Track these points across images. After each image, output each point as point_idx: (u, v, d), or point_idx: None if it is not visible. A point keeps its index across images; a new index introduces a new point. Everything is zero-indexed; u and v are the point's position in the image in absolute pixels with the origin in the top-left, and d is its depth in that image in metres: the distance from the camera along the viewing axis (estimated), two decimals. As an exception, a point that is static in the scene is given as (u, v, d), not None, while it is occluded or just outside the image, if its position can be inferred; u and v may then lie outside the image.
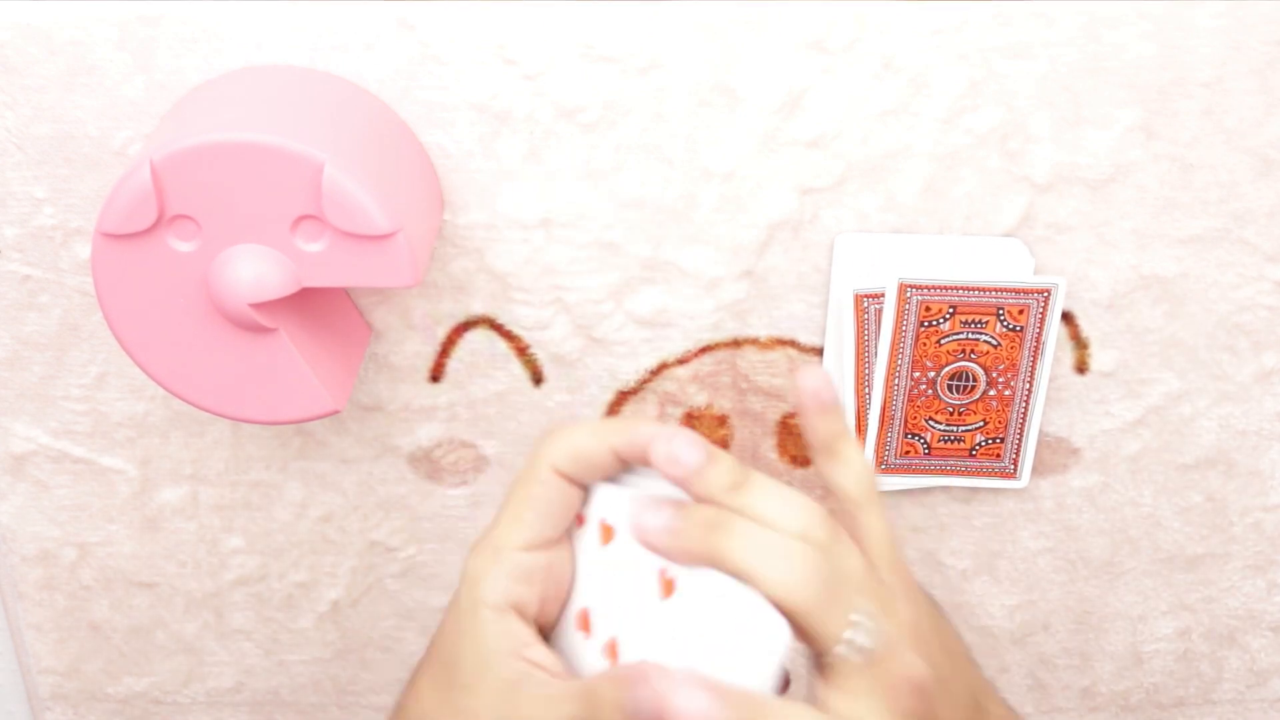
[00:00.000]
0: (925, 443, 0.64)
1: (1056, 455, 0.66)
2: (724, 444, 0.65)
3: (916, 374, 0.62)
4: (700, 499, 0.43)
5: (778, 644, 0.41)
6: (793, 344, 0.63)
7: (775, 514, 0.42)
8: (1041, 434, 0.66)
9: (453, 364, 0.63)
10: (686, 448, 0.42)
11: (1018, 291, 0.60)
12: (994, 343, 0.61)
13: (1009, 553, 0.69)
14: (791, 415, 0.65)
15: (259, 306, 0.52)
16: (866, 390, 0.63)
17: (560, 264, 0.61)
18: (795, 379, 0.48)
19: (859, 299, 0.60)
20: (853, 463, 0.46)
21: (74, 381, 0.63)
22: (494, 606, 0.44)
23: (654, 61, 0.56)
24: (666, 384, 0.64)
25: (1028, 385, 0.62)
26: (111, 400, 0.64)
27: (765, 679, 0.42)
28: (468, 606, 0.45)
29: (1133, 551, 0.70)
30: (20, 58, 0.56)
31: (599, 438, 0.44)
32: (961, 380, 0.62)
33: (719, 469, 0.43)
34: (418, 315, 0.62)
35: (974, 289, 0.60)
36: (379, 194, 0.51)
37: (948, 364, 0.62)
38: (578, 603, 0.46)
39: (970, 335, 0.61)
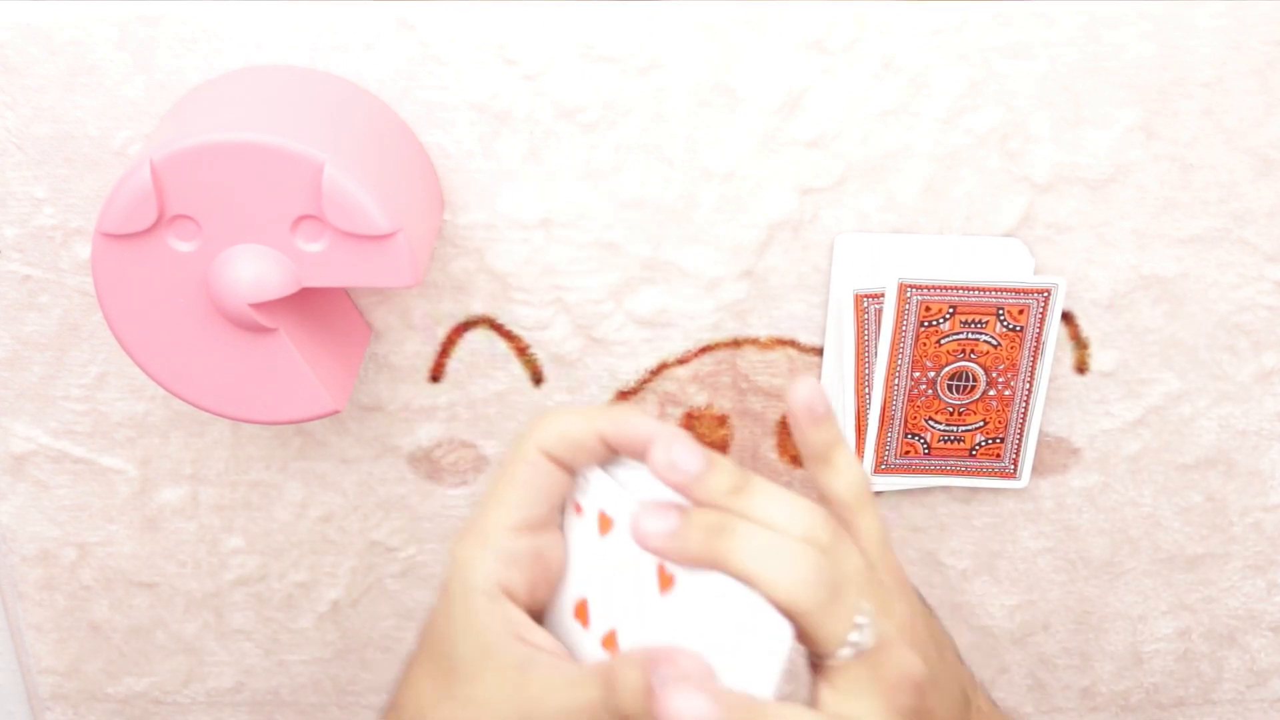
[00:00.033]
0: (925, 443, 0.64)
1: (1056, 455, 0.66)
2: (724, 444, 0.65)
3: (916, 374, 0.62)
4: (701, 504, 0.42)
5: (780, 645, 0.41)
6: (793, 344, 0.63)
7: (778, 517, 0.42)
8: (1041, 434, 0.66)
9: (453, 364, 0.63)
10: (685, 455, 0.42)
11: (1018, 291, 0.60)
12: (994, 343, 0.61)
13: (1009, 553, 0.69)
14: (791, 415, 0.65)
15: (259, 306, 0.52)
16: (866, 390, 0.63)
17: (560, 264, 0.61)
18: (788, 392, 0.47)
19: (859, 299, 0.60)
20: (847, 469, 0.45)
21: (74, 381, 0.63)
22: (486, 592, 0.43)
23: (654, 61, 0.56)
24: (666, 384, 0.64)
25: (1028, 385, 0.62)
26: (111, 400, 0.64)
27: (767, 680, 0.41)
28: (459, 593, 0.44)
29: (1133, 551, 0.70)
30: (20, 58, 0.56)
31: (586, 421, 0.44)
32: (961, 380, 0.62)
33: (719, 474, 0.42)
34: (418, 315, 0.62)
35: (974, 289, 0.60)
36: (379, 194, 0.51)
37: (948, 364, 0.62)
38: (574, 592, 0.46)
39: (970, 335, 0.61)
